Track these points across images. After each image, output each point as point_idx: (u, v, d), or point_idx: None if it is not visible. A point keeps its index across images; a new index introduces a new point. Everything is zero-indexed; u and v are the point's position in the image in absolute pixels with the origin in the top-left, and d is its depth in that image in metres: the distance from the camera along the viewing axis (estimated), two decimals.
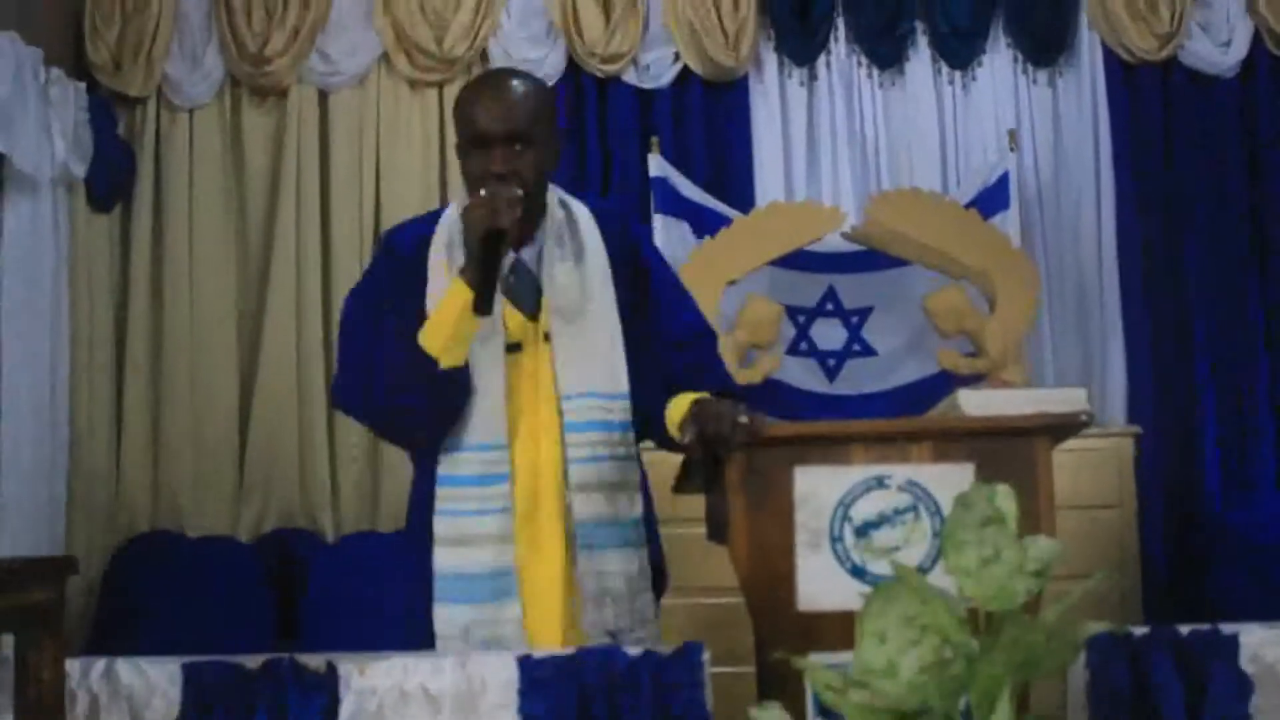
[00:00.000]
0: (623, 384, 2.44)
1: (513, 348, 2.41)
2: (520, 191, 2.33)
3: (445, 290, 2.35)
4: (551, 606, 2.40)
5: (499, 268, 2.34)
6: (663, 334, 2.50)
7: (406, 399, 2.35)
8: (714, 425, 2.18)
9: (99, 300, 4.88)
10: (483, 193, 2.32)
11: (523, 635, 2.38)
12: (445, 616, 2.39)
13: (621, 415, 2.44)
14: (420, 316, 2.37)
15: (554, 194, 2.52)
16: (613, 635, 2.38)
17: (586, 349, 2.42)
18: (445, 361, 2.32)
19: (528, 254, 2.47)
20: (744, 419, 2.16)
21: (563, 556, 2.40)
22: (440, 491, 2.39)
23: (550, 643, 2.36)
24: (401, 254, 2.49)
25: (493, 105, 2.38)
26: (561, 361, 2.41)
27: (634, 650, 2.15)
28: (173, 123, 5.06)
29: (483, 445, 2.38)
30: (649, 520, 2.52)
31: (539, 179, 2.42)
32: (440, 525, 2.39)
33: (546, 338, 2.43)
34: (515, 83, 2.46)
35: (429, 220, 2.54)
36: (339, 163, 5.04)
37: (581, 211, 2.52)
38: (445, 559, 2.39)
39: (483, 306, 2.30)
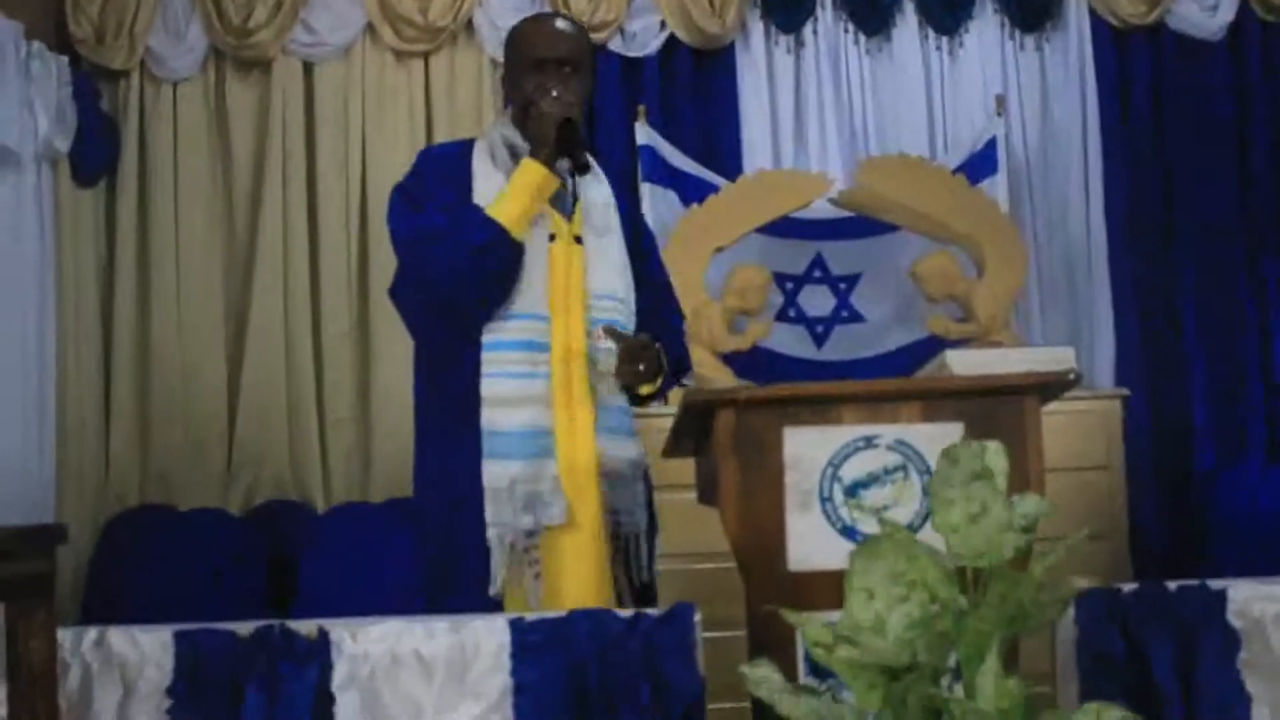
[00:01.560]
0: (631, 295, 2.73)
1: (551, 237, 2.65)
2: (576, 99, 2.63)
3: (500, 184, 2.60)
4: (583, 471, 2.59)
5: (579, 145, 2.62)
6: (647, 309, 2.77)
7: (478, 268, 2.54)
8: (632, 342, 2.56)
9: (85, 275, 4.87)
10: (554, 93, 2.60)
11: (561, 494, 2.55)
12: (494, 471, 2.55)
13: (629, 319, 2.70)
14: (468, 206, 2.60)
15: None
16: (615, 513, 2.63)
17: (608, 258, 2.69)
18: (516, 231, 2.56)
19: (561, 166, 2.67)
20: (643, 366, 2.57)
21: (591, 429, 2.61)
22: (488, 356, 2.58)
23: (578, 510, 2.56)
24: (443, 160, 2.74)
25: (552, 33, 2.72)
26: (592, 263, 2.67)
27: (625, 613, 2.16)
28: (157, 96, 5.03)
29: (529, 315, 2.60)
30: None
31: (585, 102, 2.70)
32: (489, 387, 2.57)
33: (577, 240, 2.67)
34: (565, 19, 2.85)
35: (461, 142, 2.81)
36: (324, 135, 5.02)
37: (592, 161, 2.78)
38: (494, 417, 2.56)
39: (565, 173, 2.63)
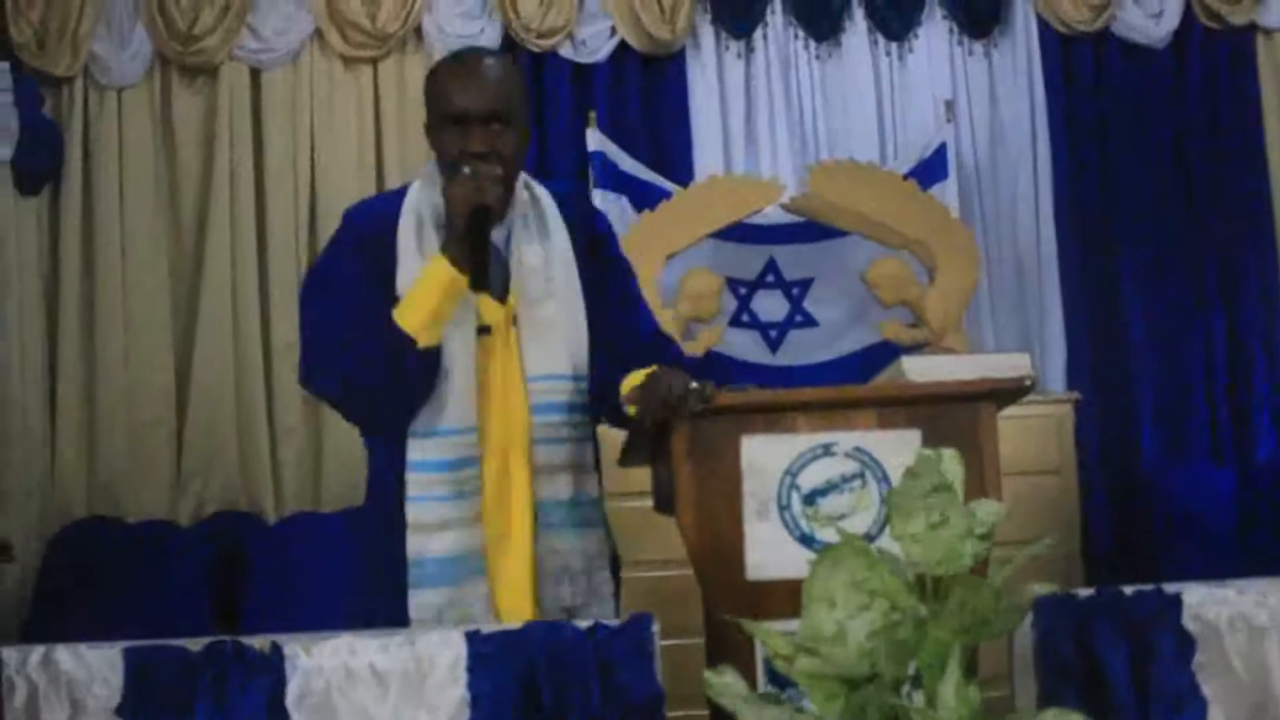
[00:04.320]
0: (584, 366, 2.44)
1: (482, 330, 2.39)
2: (500, 170, 2.33)
3: (421, 269, 2.33)
4: (520, 584, 2.40)
5: (488, 244, 2.33)
6: (627, 334, 2.51)
7: (383, 379, 2.31)
8: (666, 390, 2.18)
9: (29, 285, 4.79)
10: (466, 170, 2.31)
11: (491, 613, 2.38)
12: (420, 601, 2.37)
13: (583, 397, 2.45)
14: (387, 297, 2.34)
15: (519, 178, 2.50)
16: (568, 612, 2.38)
17: (552, 331, 2.41)
18: (423, 340, 2.30)
19: (497, 236, 2.43)
20: (695, 385, 2.17)
21: (529, 538, 2.40)
22: (412, 478, 2.37)
23: (518, 619, 2.33)
24: (366, 232, 2.44)
25: (471, 84, 2.37)
26: (528, 344, 2.40)
27: (583, 623, 2.14)
28: (101, 103, 4.96)
29: (455, 429, 2.35)
30: (602, 501, 2.53)
31: (516, 159, 2.41)
32: (414, 511, 2.37)
33: (514, 320, 2.41)
34: (491, 61, 2.47)
35: (391, 199, 2.50)
36: (272, 142, 4.98)
37: (544, 194, 2.51)
38: (420, 545, 2.37)
39: (479, 283, 2.31)
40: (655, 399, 2.19)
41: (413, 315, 2.30)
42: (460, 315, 2.35)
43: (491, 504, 2.39)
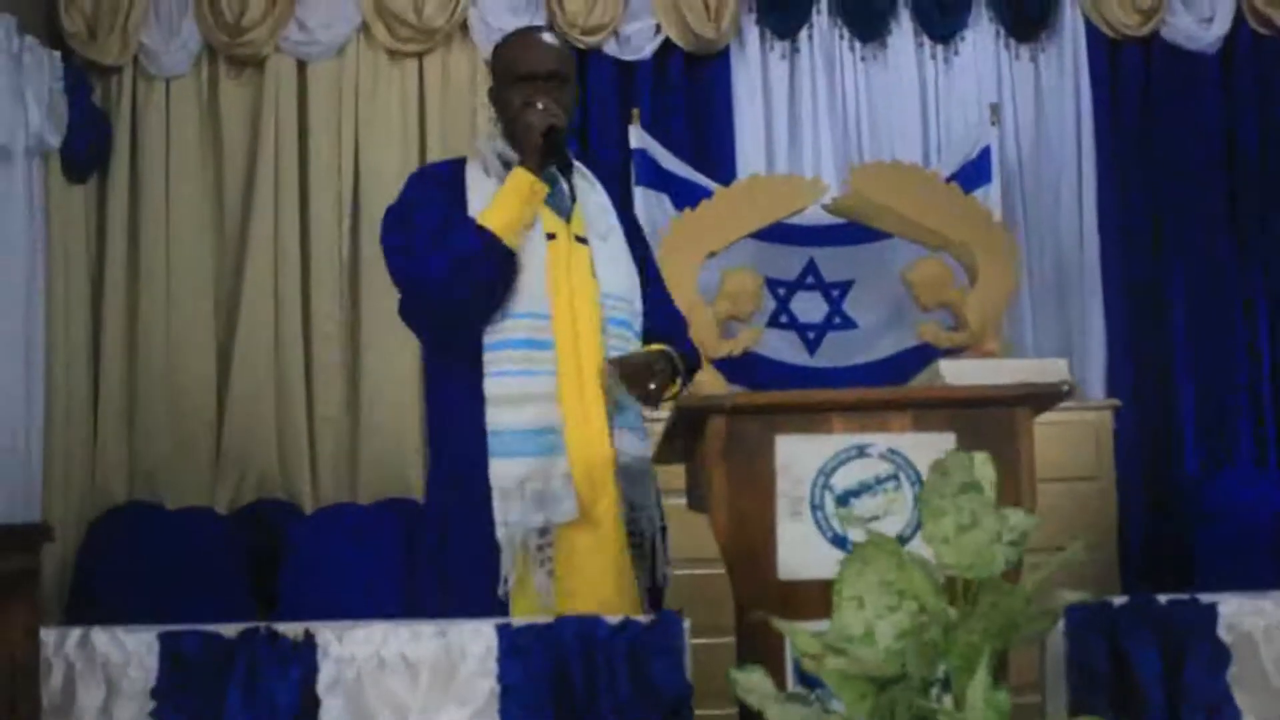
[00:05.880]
0: (638, 296, 2.75)
1: (549, 236, 2.67)
2: (562, 114, 2.67)
3: (495, 192, 2.62)
4: (598, 466, 2.57)
5: (564, 153, 2.68)
6: (653, 303, 2.80)
7: (476, 276, 2.55)
8: (646, 368, 2.57)
9: (74, 271, 4.84)
10: (539, 104, 2.64)
11: (572, 490, 2.54)
12: (501, 471, 2.54)
13: (640, 325, 2.74)
14: (464, 216, 2.62)
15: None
16: (633, 510, 2.62)
17: (615, 260, 2.73)
18: (508, 240, 2.57)
19: (555, 173, 2.72)
20: (654, 385, 2.56)
21: (605, 425, 2.60)
22: (489, 355, 2.58)
23: (594, 506, 2.55)
24: (435, 174, 2.80)
25: (537, 48, 2.75)
26: (600, 262, 2.69)
27: (613, 619, 2.15)
28: (149, 93, 5.01)
29: (529, 314, 2.60)
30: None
31: (570, 114, 2.74)
32: (491, 386, 2.57)
33: (578, 239, 2.70)
34: (549, 34, 2.88)
35: (453, 162, 2.83)
36: (317, 133, 5.00)
37: (585, 169, 2.84)
38: (498, 416, 2.56)
39: (559, 177, 2.69)
40: (639, 368, 2.56)
41: (498, 217, 2.58)
42: (529, 221, 2.64)
43: (567, 386, 2.59)
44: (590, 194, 2.77)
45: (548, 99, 2.66)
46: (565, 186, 2.74)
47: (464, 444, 2.58)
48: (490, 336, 2.58)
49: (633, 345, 2.68)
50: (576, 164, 2.79)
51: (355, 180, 4.98)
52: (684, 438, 2.42)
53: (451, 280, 2.54)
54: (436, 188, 2.70)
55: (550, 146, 2.63)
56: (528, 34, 2.86)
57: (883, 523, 2.08)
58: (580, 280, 2.66)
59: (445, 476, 2.66)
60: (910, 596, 1.61)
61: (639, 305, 2.74)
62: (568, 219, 2.71)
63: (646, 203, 4.79)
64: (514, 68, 2.73)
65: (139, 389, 4.88)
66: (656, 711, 2.08)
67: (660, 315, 2.81)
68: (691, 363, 2.78)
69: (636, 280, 2.76)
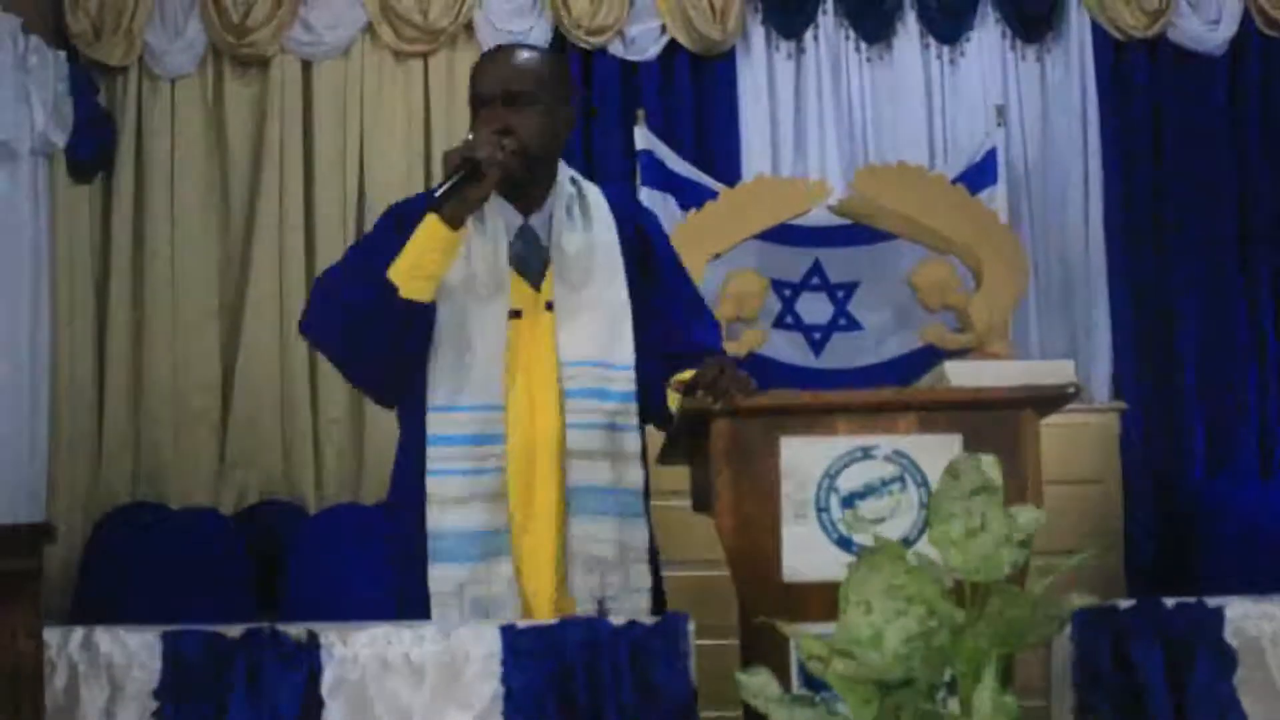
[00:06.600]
0: (627, 355, 2.47)
1: (514, 314, 2.45)
2: (514, 144, 2.37)
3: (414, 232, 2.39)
4: (544, 569, 2.41)
5: (474, 198, 2.35)
6: (674, 336, 2.52)
7: (365, 326, 2.37)
8: (718, 370, 2.19)
9: (80, 271, 4.85)
10: (469, 135, 2.39)
11: (516, 595, 2.40)
12: (439, 575, 2.40)
13: (623, 385, 2.47)
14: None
15: (565, 171, 2.56)
16: (600, 602, 2.40)
17: (590, 317, 2.46)
18: (405, 291, 2.34)
19: (536, 221, 2.50)
20: (742, 373, 2.19)
21: (556, 521, 2.42)
22: (432, 451, 2.41)
23: (542, 605, 2.40)
24: (401, 214, 2.51)
25: (491, 67, 2.49)
26: (563, 328, 2.45)
27: (618, 620, 2.14)
28: (154, 93, 5.01)
29: (478, 405, 2.40)
30: (647, 493, 2.54)
31: (541, 139, 2.44)
32: (433, 485, 2.40)
33: (549, 306, 2.46)
34: (520, 49, 2.58)
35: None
36: (322, 134, 5.01)
37: (593, 190, 2.57)
38: (438, 518, 2.40)
39: (453, 223, 2.35)
40: (707, 375, 2.19)
41: (400, 262, 2.35)
42: (491, 294, 2.42)
43: (515, 483, 2.41)
44: (575, 233, 2.47)
45: (499, 123, 2.38)
46: (542, 233, 2.48)
47: (407, 523, 2.44)
48: (434, 428, 2.40)
49: (606, 414, 2.44)
50: (575, 190, 2.52)
51: (360, 181, 4.98)
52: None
53: (335, 327, 2.42)
54: (386, 230, 2.48)
55: (464, 182, 2.31)
56: (491, 53, 2.59)
57: (888, 525, 2.07)
58: (538, 355, 2.43)
59: (391, 529, 2.55)
60: (918, 601, 1.60)
61: (621, 357, 2.46)
62: (538, 285, 2.46)
63: (651, 204, 4.77)
64: (472, 91, 2.49)
65: (144, 388, 4.88)
66: (661, 714, 2.07)
67: (696, 329, 2.57)
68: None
69: (621, 330, 2.47)
